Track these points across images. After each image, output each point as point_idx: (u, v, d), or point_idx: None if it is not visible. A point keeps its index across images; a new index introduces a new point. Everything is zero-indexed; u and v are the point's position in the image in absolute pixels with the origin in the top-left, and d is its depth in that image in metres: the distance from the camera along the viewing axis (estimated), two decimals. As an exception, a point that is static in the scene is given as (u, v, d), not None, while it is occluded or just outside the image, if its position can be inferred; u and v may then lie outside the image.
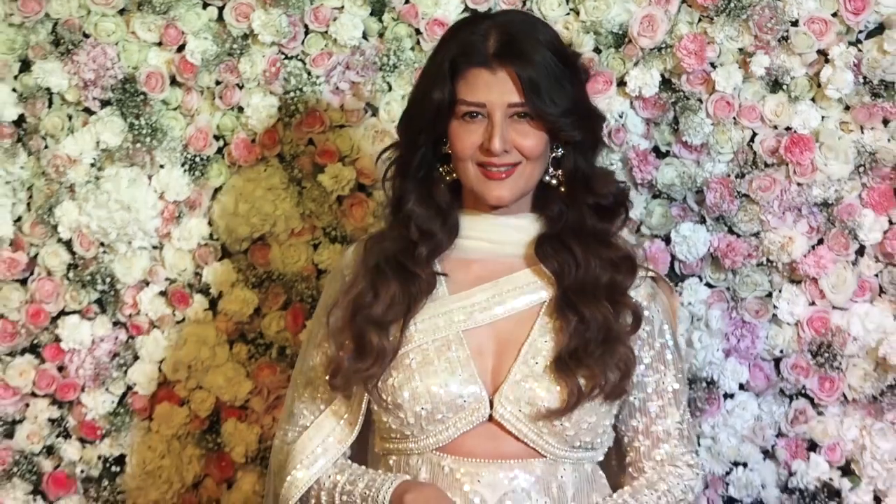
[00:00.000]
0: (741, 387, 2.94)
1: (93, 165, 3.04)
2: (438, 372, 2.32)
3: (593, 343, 2.31)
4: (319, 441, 2.43)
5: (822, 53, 2.89)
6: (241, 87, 3.01)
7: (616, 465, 2.48)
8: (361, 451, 2.49)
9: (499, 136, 2.30)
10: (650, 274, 2.45)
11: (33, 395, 3.09)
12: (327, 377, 2.40)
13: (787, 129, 2.90)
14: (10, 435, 3.10)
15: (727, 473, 2.95)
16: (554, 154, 2.38)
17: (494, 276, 2.39)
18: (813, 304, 2.92)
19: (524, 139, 2.32)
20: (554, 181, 2.39)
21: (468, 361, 2.33)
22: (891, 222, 2.90)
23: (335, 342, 2.40)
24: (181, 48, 3.02)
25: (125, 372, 3.06)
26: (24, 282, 3.08)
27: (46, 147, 3.06)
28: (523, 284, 2.39)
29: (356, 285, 2.40)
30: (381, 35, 2.99)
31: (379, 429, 2.42)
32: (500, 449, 2.32)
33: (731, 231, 2.94)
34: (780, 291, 2.92)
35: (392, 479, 2.33)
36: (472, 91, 2.31)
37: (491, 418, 2.32)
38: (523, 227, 2.41)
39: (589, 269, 2.35)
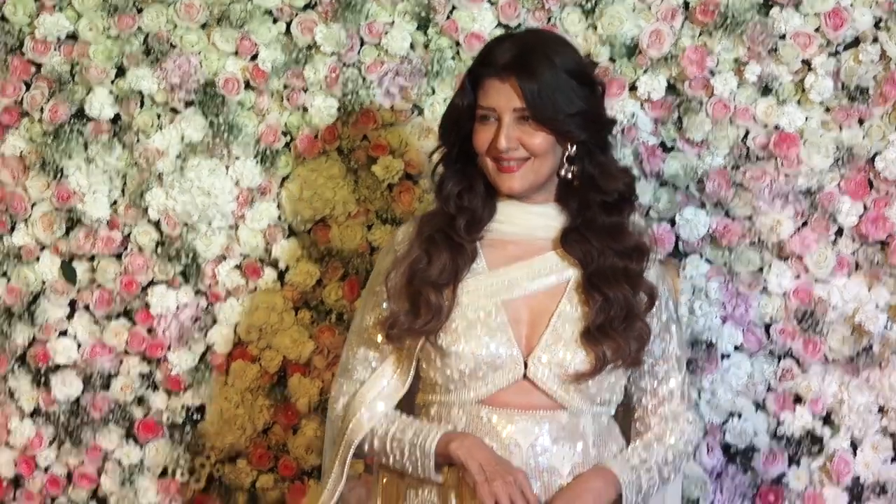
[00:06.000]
0: (736, 348, 3.02)
1: (178, 157, 3.13)
2: (481, 336, 2.43)
3: (616, 319, 2.42)
4: (377, 391, 2.51)
5: (806, 63, 2.97)
6: (305, 91, 3.09)
7: (622, 418, 2.58)
8: (407, 404, 2.56)
9: (504, 135, 2.42)
10: (658, 257, 2.54)
11: (126, 353, 3.18)
12: (386, 330, 2.48)
13: (776, 127, 2.98)
14: (106, 387, 3.18)
15: (724, 423, 3.03)
16: (567, 153, 2.47)
17: (527, 256, 2.48)
18: (798, 277, 3.00)
19: (530, 138, 2.43)
20: (570, 175, 2.48)
21: (506, 328, 2.43)
22: (865, 207, 2.98)
23: (395, 302, 2.48)
24: (254, 57, 3.09)
25: (205, 334, 3.16)
26: (119, 256, 3.16)
27: (138, 141, 3.13)
28: (552, 264, 2.49)
29: (411, 254, 2.48)
30: (426, 46, 3.07)
31: (424, 383, 2.51)
32: (531, 402, 2.43)
33: (727, 215, 3.01)
34: (769, 267, 3.01)
35: (437, 429, 2.42)
36: (486, 97, 2.45)
37: (525, 377, 2.44)
38: (549, 215, 2.50)
39: (607, 260, 2.46)
